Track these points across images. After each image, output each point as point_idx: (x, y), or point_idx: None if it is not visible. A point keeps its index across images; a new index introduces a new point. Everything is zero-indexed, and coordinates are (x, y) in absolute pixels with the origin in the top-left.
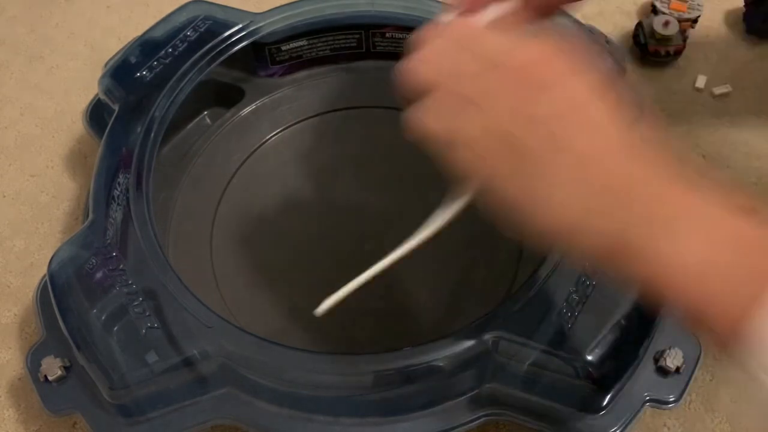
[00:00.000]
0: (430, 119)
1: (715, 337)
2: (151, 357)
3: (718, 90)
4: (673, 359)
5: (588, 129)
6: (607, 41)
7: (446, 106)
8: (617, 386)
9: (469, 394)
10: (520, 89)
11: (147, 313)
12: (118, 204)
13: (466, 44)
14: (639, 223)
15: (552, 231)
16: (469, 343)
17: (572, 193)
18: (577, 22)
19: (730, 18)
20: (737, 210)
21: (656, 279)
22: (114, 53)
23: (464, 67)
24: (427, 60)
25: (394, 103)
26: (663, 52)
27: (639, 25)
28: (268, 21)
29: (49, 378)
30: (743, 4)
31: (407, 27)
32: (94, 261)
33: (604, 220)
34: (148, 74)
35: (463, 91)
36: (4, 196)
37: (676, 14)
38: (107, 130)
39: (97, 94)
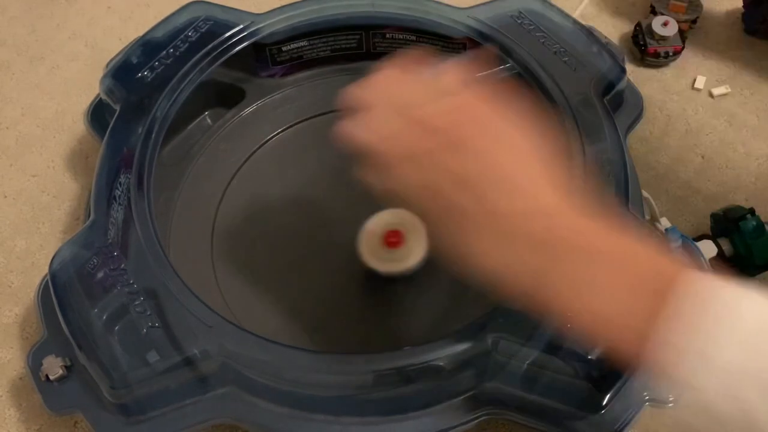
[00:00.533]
0: (374, 177)
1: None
2: (152, 356)
3: (717, 90)
4: None
5: (511, 193)
6: (607, 42)
7: (386, 163)
8: (617, 386)
9: (469, 394)
10: (453, 150)
11: (148, 313)
12: (119, 204)
13: (402, 104)
14: (541, 272)
15: (477, 272)
16: (469, 342)
17: (493, 245)
18: (576, 22)
19: (728, 18)
20: (651, 252)
21: (561, 315)
22: (115, 54)
23: (401, 128)
24: (366, 122)
25: None
26: (662, 53)
27: (638, 25)
28: (268, 22)
29: (51, 377)
30: (742, 4)
31: (407, 27)
32: (95, 261)
33: (521, 268)
34: (149, 74)
35: (400, 149)
36: (6, 197)
37: (675, 15)
38: (108, 130)
39: (98, 94)
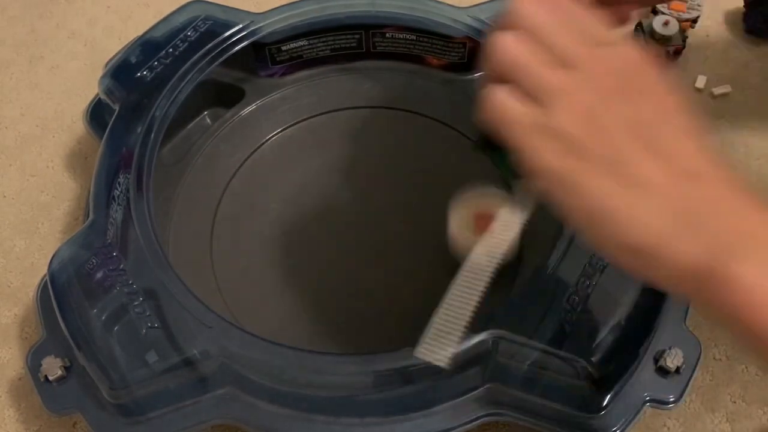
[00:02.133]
0: (514, 101)
1: None
2: (152, 357)
3: (718, 90)
4: (673, 359)
5: (692, 147)
6: None
7: (536, 88)
8: (617, 386)
9: (469, 394)
10: (622, 89)
11: (147, 313)
12: (118, 204)
13: (568, 24)
14: (727, 249)
15: (631, 247)
16: (469, 343)
17: (661, 207)
18: None
19: (729, 18)
20: None
21: (742, 309)
22: (114, 53)
23: (564, 50)
24: (524, 34)
25: (394, 103)
26: (662, 52)
27: (639, 25)
28: (268, 21)
29: (50, 378)
30: (743, 4)
31: (407, 27)
32: (94, 261)
33: (690, 240)
34: (148, 74)
35: (557, 77)
36: (5, 197)
37: (675, 14)
38: (108, 130)
39: (97, 94)
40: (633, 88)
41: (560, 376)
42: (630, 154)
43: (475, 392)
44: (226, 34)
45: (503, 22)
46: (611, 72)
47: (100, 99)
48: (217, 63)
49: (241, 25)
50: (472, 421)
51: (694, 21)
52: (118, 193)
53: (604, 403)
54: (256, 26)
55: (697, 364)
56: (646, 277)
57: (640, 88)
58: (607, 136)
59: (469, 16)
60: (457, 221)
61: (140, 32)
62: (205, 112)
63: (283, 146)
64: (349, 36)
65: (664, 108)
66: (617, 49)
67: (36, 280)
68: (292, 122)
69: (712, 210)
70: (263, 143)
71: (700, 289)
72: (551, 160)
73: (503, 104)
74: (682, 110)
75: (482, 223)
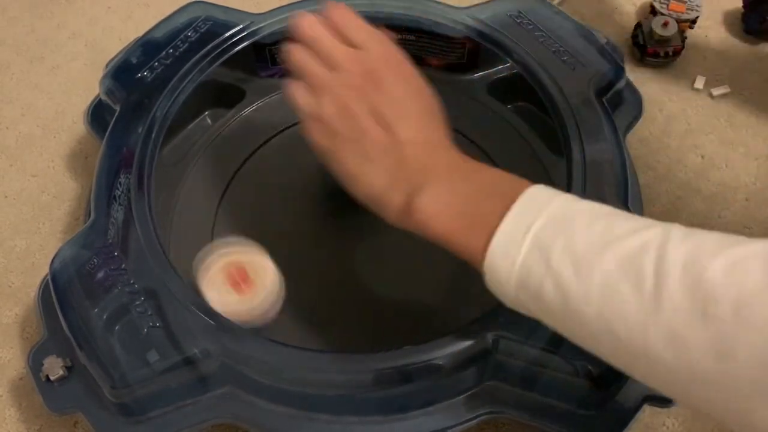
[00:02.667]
0: (301, 95)
1: (470, 263)
2: (153, 356)
3: (717, 90)
4: None
5: (408, 122)
6: (607, 42)
7: (312, 85)
8: (616, 385)
9: (469, 393)
10: (368, 86)
11: (148, 313)
12: (119, 204)
13: (336, 34)
14: (415, 189)
15: (368, 197)
16: (469, 341)
17: (381, 170)
18: (575, 22)
19: (728, 19)
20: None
21: (424, 224)
22: (115, 54)
23: (329, 56)
24: (305, 44)
25: None
26: (662, 53)
27: (638, 26)
28: (268, 22)
29: (51, 377)
30: (742, 5)
31: (407, 27)
32: (95, 261)
33: (399, 188)
34: (149, 75)
35: (325, 76)
36: (6, 197)
37: (674, 15)
38: (108, 131)
39: (98, 95)
40: (376, 82)
41: (559, 374)
42: (366, 133)
43: (475, 390)
44: (227, 34)
45: (293, 34)
46: (362, 72)
47: (100, 99)
48: (217, 63)
49: (241, 26)
50: (472, 419)
51: (693, 22)
52: (119, 193)
53: (604, 402)
54: (257, 27)
55: None
56: (383, 217)
57: (382, 82)
58: (353, 121)
59: (468, 16)
60: (209, 278)
61: (140, 32)
62: (206, 113)
63: (283, 146)
64: None
65: (397, 96)
66: (369, 51)
67: (37, 280)
68: (292, 122)
69: (413, 166)
70: (263, 143)
71: (408, 221)
72: (321, 140)
73: (295, 94)
74: (413, 95)
75: (237, 279)
